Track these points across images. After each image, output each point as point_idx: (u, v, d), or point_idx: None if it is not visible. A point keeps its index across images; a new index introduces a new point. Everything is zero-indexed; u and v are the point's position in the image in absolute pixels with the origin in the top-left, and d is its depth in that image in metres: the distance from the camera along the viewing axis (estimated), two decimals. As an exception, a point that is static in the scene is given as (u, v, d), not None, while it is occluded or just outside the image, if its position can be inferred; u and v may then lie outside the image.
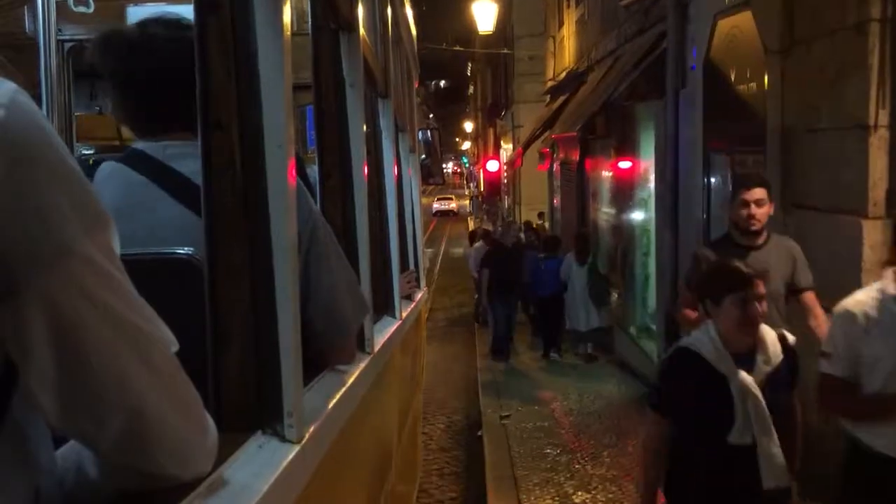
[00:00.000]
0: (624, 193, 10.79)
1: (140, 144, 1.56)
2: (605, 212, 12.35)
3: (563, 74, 16.58)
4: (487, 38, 27.55)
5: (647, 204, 9.60)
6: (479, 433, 7.62)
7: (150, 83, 1.52)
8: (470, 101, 58.57)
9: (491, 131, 38.65)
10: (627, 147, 10.37)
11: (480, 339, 12.53)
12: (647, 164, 9.57)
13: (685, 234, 7.40)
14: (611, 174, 11.55)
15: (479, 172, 48.64)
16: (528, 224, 17.57)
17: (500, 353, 10.99)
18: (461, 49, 31.25)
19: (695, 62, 7.16)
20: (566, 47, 17.06)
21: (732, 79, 6.31)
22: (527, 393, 9.05)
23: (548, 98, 19.47)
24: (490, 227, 21.09)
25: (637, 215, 10.32)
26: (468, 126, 60.52)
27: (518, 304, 12.13)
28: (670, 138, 7.64)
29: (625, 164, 10.49)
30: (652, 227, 9.30)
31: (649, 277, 9.72)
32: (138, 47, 1.52)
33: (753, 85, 5.93)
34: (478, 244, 14.70)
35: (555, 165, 16.98)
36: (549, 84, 19.05)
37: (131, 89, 1.57)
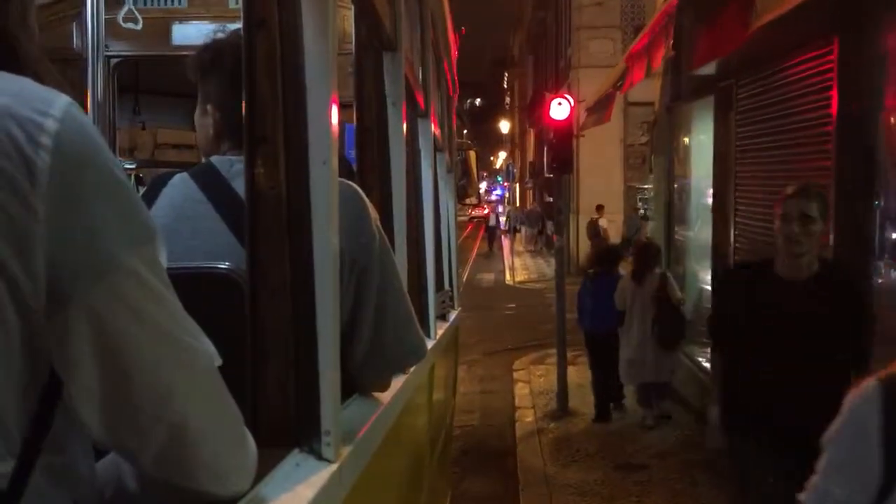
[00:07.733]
0: None
1: (216, 157, 1.55)
2: None
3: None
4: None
5: None
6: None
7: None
8: (507, 112, 57.36)
9: (531, 134, 33.62)
10: None
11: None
12: None
13: None
14: None
15: (516, 169, 42.06)
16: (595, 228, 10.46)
17: None
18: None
19: None
20: None
21: None
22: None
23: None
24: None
25: None
26: (504, 126, 56.64)
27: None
28: None
29: None
30: None
31: None
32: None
33: None
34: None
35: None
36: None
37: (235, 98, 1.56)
